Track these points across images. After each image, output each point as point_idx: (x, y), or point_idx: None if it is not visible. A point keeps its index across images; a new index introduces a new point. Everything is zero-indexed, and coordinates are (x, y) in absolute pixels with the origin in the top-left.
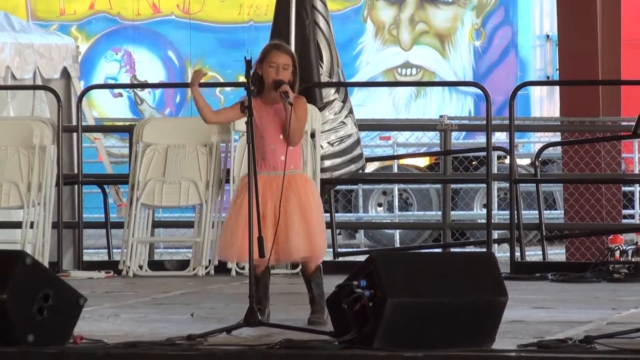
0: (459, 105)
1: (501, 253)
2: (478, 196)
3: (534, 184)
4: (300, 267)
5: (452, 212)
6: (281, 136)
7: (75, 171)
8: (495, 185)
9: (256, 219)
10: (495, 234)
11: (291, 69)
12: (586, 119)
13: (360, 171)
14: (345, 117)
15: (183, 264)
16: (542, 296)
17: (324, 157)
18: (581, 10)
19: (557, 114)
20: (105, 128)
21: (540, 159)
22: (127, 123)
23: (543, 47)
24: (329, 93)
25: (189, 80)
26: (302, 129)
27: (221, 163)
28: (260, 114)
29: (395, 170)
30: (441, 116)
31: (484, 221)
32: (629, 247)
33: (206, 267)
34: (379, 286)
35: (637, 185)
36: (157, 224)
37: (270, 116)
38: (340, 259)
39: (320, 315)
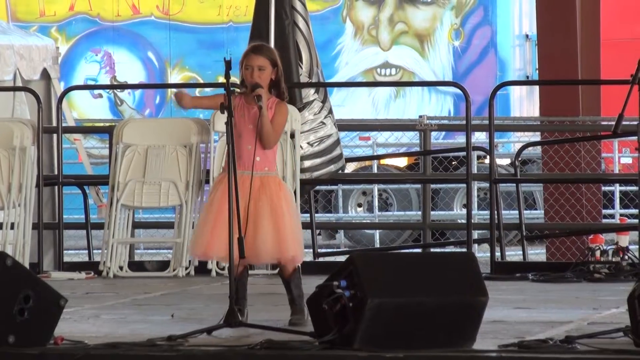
0: (438, 105)
1: (481, 253)
2: (458, 196)
3: (514, 184)
4: (278, 268)
5: (432, 212)
6: (257, 137)
7: (56, 172)
8: (475, 185)
9: (236, 218)
10: (476, 234)
11: (269, 69)
12: (566, 118)
13: (340, 171)
14: (325, 117)
15: (163, 265)
16: (522, 296)
17: (303, 158)
18: (560, 10)
19: (536, 113)
20: (85, 129)
21: (520, 159)
22: (107, 124)
23: (522, 46)
24: (309, 93)
25: (169, 82)
26: (278, 133)
27: (201, 164)
28: (241, 114)
29: (375, 170)
30: (421, 116)
31: (464, 221)
32: (609, 247)
33: (186, 268)
34: (359, 286)
35: (617, 185)
36: (137, 225)
37: (250, 117)
38: (320, 259)
39: (301, 316)
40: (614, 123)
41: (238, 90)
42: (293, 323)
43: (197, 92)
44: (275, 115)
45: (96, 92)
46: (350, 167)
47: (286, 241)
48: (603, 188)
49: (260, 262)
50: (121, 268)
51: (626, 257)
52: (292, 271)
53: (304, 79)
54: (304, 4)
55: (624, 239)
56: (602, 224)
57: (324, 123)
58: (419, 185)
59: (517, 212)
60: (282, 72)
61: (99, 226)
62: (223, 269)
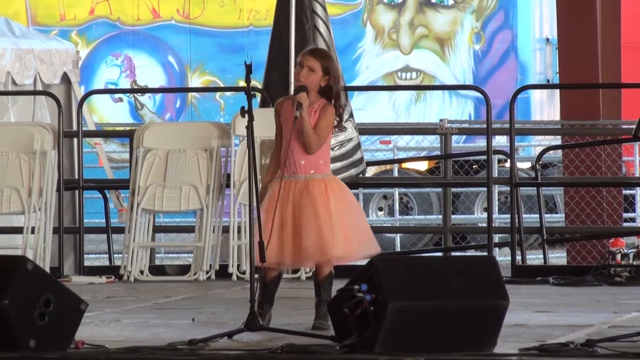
0: (459, 109)
1: (502, 257)
2: (479, 200)
3: (535, 188)
4: (310, 270)
5: (453, 216)
6: (302, 140)
7: (76, 176)
8: (496, 188)
9: (271, 223)
10: (496, 238)
11: (320, 73)
12: (587, 122)
13: (361, 175)
14: (346, 121)
15: (184, 269)
16: (543, 300)
17: None
18: (581, 14)
19: (557, 117)
20: (105, 133)
21: (540, 163)
22: (128, 128)
23: (543, 50)
24: None
25: (190, 86)
26: (322, 137)
27: (221, 168)
28: (286, 117)
29: (396, 174)
30: (441, 120)
31: (484, 225)
32: (630, 251)
33: (207, 272)
34: (380, 290)
35: (638, 188)
36: (157, 229)
37: (296, 121)
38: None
39: (325, 321)
40: (634, 127)
41: (259, 94)
42: (317, 327)
43: (218, 96)
44: (319, 119)
45: (117, 96)
46: (370, 171)
47: (331, 242)
48: (624, 191)
49: (304, 265)
50: (142, 272)
51: None
52: (327, 274)
53: None
54: (324, 8)
55: None
56: (623, 227)
57: (344, 127)
58: (439, 189)
59: (537, 215)
60: (338, 79)
61: (120, 230)
62: (244, 273)
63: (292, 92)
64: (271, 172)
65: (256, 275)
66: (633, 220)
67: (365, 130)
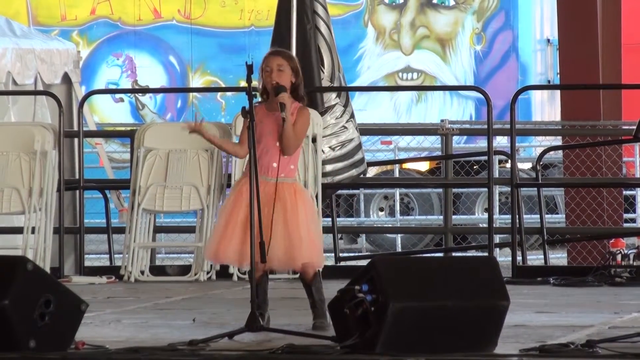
0: (460, 110)
1: (503, 257)
2: (479, 200)
3: (535, 188)
4: (299, 272)
5: (454, 217)
6: (277, 144)
7: (77, 176)
8: (497, 189)
9: (257, 224)
10: (497, 238)
11: (289, 70)
12: (587, 122)
13: (362, 176)
14: (347, 121)
15: (184, 269)
16: (544, 300)
17: (325, 162)
18: (581, 15)
19: (558, 118)
20: (106, 133)
21: (541, 163)
22: (129, 128)
23: (544, 51)
24: (330, 97)
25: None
26: (299, 140)
27: (222, 168)
28: (260, 120)
29: (397, 174)
30: (442, 120)
31: (485, 225)
32: (630, 251)
33: (208, 272)
34: (381, 291)
35: (638, 189)
36: (158, 229)
37: (269, 123)
38: (342, 263)
39: (324, 320)
40: (635, 127)
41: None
42: (317, 327)
43: (219, 96)
44: (297, 121)
45: (117, 96)
46: (371, 172)
47: (298, 249)
48: (624, 192)
49: (271, 268)
50: (142, 272)
51: None
52: (313, 275)
53: (325, 83)
54: (325, 8)
55: None
56: (624, 228)
57: (345, 127)
58: (440, 190)
59: (538, 216)
60: (302, 78)
61: (120, 230)
62: (244, 273)
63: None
64: (226, 144)
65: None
66: (633, 220)
67: (366, 130)
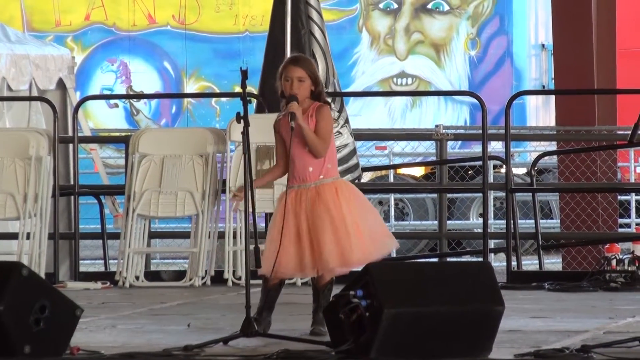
0: (454, 115)
1: (497, 262)
2: (474, 205)
3: (530, 193)
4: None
5: (449, 222)
6: (306, 148)
7: (72, 182)
8: (492, 194)
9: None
10: (492, 244)
11: (309, 81)
12: (582, 128)
13: (357, 181)
14: (341, 127)
15: (179, 275)
16: (538, 305)
17: None
18: (576, 20)
19: (552, 123)
20: (101, 139)
21: (536, 168)
22: (123, 134)
23: (538, 56)
24: None
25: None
26: (326, 139)
27: (217, 173)
28: (286, 129)
29: (392, 179)
30: (437, 126)
31: (480, 230)
32: (625, 256)
33: (202, 278)
34: (375, 296)
35: (633, 194)
36: (153, 235)
37: (295, 131)
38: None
39: (323, 327)
40: (629, 132)
41: (254, 99)
42: (315, 333)
43: (213, 101)
44: (318, 122)
45: (112, 101)
46: (366, 177)
47: (350, 248)
48: (619, 197)
49: (324, 273)
50: (137, 278)
51: None
52: (327, 282)
53: None
54: (320, 14)
55: None
56: (618, 233)
57: (340, 133)
58: (435, 195)
59: (533, 221)
60: (323, 84)
61: (115, 236)
62: (239, 278)
63: (282, 104)
64: (270, 173)
65: (257, 281)
66: (628, 226)
67: (360, 135)
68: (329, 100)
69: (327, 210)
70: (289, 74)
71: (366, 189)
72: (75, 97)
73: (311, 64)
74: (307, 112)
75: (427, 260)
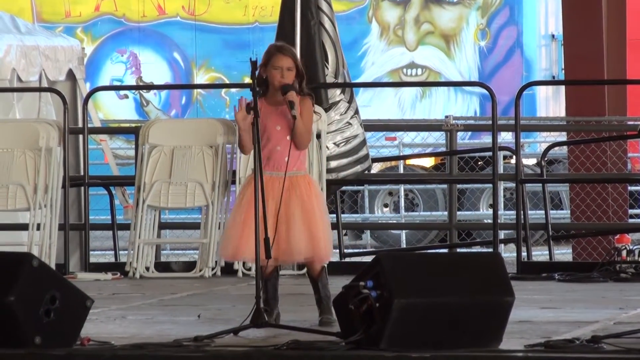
0: (464, 106)
1: (507, 253)
2: (484, 196)
3: (540, 184)
4: (305, 268)
5: (458, 213)
6: (288, 137)
7: (82, 173)
8: (502, 185)
9: (262, 219)
10: (502, 234)
11: (295, 71)
12: (592, 118)
13: (366, 172)
14: (351, 117)
15: (189, 266)
16: (549, 296)
17: (330, 158)
18: (586, 10)
19: (562, 113)
20: (111, 130)
21: (546, 159)
22: (133, 125)
23: (548, 46)
24: (335, 94)
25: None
26: (309, 131)
27: (227, 164)
28: (266, 116)
29: (401, 170)
30: (447, 116)
31: (490, 221)
32: (635, 247)
33: (213, 269)
34: (385, 287)
35: None
36: (163, 226)
37: (276, 118)
38: (347, 259)
39: (330, 316)
40: (639, 123)
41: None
42: (323, 322)
43: (223, 92)
44: (302, 113)
45: (122, 92)
46: (376, 168)
47: (319, 239)
48: (629, 188)
49: (294, 261)
50: (147, 269)
51: None
52: (320, 271)
53: (330, 79)
54: (330, 4)
55: None
56: (628, 223)
57: (350, 123)
58: (445, 186)
59: (543, 212)
60: (304, 71)
61: (125, 227)
62: (250, 269)
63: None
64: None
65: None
66: (638, 216)
67: (370, 126)
68: (339, 92)
69: (301, 201)
70: (277, 63)
71: (376, 179)
72: (85, 88)
73: (296, 54)
74: (298, 108)
75: (437, 251)
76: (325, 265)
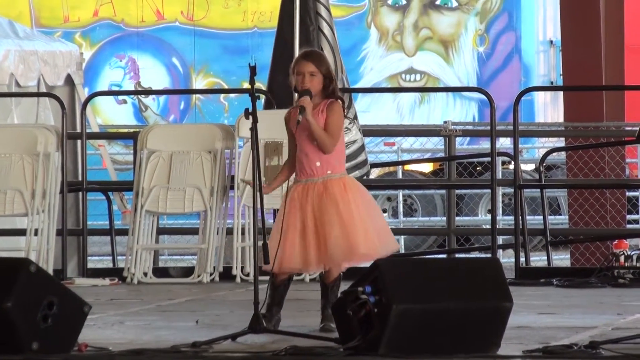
0: (463, 111)
1: (506, 259)
2: (482, 202)
3: (539, 190)
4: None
5: (457, 218)
6: (314, 143)
7: (80, 178)
8: (500, 190)
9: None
10: (500, 240)
11: (320, 76)
12: (590, 124)
13: (365, 177)
14: (350, 123)
15: (188, 271)
16: (547, 302)
17: None
18: (584, 16)
19: (561, 119)
20: (109, 135)
21: (544, 165)
22: (132, 130)
23: (547, 52)
24: None
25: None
26: (334, 135)
27: (225, 169)
28: (293, 123)
29: (400, 176)
30: (445, 122)
31: (488, 227)
32: (633, 252)
33: (211, 274)
34: (384, 292)
35: None
36: (161, 231)
37: (304, 125)
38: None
39: (333, 323)
40: (637, 128)
41: (263, 95)
42: (325, 329)
43: (222, 97)
44: (328, 118)
45: (120, 98)
46: (374, 173)
47: (355, 241)
48: (627, 193)
49: (329, 267)
50: (145, 274)
51: None
52: (336, 277)
53: None
54: (328, 10)
55: None
56: (627, 229)
57: (348, 129)
58: (443, 191)
59: (541, 217)
60: (334, 77)
61: (123, 232)
62: (247, 275)
63: (295, 98)
64: (281, 175)
65: (266, 277)
66: (636, 222)
67: (369, 132)
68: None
69: (335, 204)
70: (300, 69)
71: (374, 185)
72: (83, 93)
73: (323, 59)
74: (317, 107)
75: (436, 256)
76: (341, 274)
